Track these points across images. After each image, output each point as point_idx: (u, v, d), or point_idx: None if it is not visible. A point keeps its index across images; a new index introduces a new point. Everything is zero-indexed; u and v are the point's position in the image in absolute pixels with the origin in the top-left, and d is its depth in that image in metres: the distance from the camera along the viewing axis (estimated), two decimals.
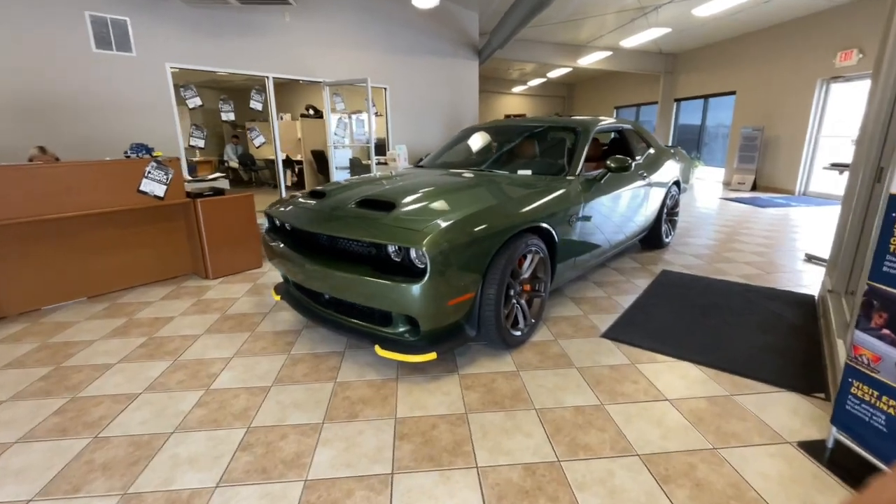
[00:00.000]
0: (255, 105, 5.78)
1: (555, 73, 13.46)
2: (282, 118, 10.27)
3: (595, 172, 3.06)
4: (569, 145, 3.14)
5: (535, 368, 2.27)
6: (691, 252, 4.37)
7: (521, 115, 16.93)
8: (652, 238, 4.28)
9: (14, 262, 2.99)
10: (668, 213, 4.51)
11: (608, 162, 2.97)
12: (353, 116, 7.50)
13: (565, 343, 2.53)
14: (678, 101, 11.94)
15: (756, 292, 3.26)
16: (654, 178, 3.84)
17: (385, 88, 7.37)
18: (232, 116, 5.55)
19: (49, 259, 3.12)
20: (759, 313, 2.88)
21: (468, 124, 9.10)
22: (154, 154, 3.46)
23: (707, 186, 9.89)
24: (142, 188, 3.33)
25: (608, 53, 10.56)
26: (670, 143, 12.20)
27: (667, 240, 4.46)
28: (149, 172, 3.34)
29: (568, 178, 2.87)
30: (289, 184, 9.98)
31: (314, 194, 2.70)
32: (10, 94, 4.15)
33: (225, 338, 2.67)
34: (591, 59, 10.60)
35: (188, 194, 3.60)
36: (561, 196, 2.65)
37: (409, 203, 2.28)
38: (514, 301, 2.44)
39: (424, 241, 1.95)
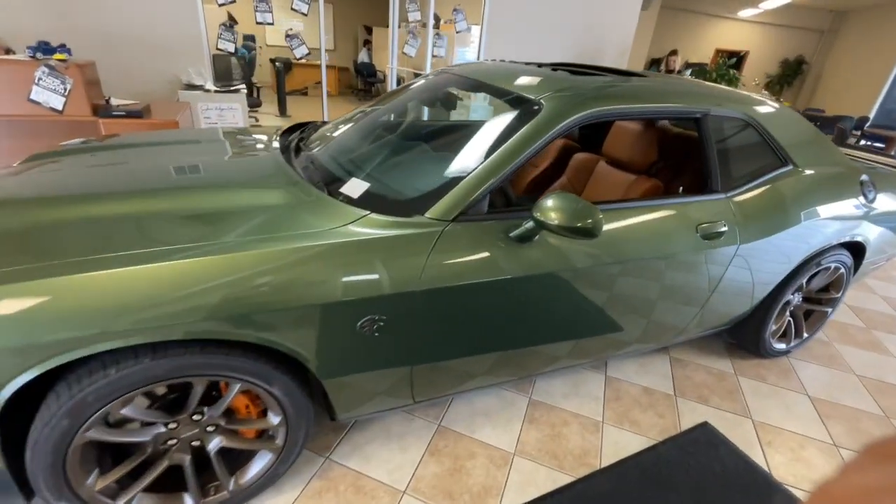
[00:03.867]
0: (299, 6, 4.83)
1: None
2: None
3: (520, 223, 1.33)
4: (494, 142, 1.43)
5: None
6: (818, 390, 2.13)
7: (737, 54, 12.34)
8: (746, 334, 2.19)
9: None
10: (808, 298, 2.26)
11: (535, 214, 1.24)
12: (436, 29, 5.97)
13: None
14: None
15: None
16: (763, 235, 1.75)
17: None
18: (269, 18, 4.74)
19: None
20: None
21: (611, 56, 6.64)
22: (55, 57, 2.89)
23: None
24: (32, 97, 2.83)
25: None
26: None
27: (779, 346, 2.26)
28: (39, 79, 2.80)
29: (423, 220, 1.27)
30: None
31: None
32: None
33: None
34: None
35: (95, 111, 3.01)
36: (353, 278, 1.14)
37: None
38: (165, 455, 1.21)
39: None
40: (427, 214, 1.27)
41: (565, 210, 1.22)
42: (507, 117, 1.48)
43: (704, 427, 1.84)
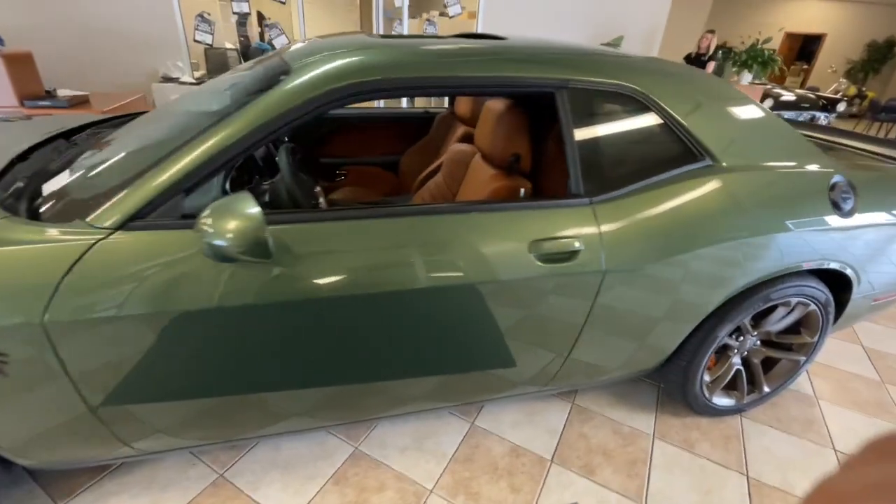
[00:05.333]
0: None
1: None
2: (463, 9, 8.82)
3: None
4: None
5: None
6: (766, 469, 1.54)
7: (812, 37, 10.81)
8: (671, 382, 1.65)
9: None
10: (768, 342, 1.68)
11: (203, 226, 0.89)
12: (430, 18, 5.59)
13: None
14: None
15: None
16: (648, 260, 1.25)
17: None
18: (245, 8, 4.62)
19: None
20: None
21: (637, 41, 5.92)
22: None
23: None
24: None
25: None
26: None
27: (722, 402, 1.68)
28: None
29: (76, 227, 0.95)
30: None
31: None
32: None
33: None
34: None
35: (23, 103, 2.99)
36: None
37: None
38: None
39: None
40: (89, 220, 0.96)
41: (242, 217, 0.86)
42: (247, 96, 1.12)
43: None
